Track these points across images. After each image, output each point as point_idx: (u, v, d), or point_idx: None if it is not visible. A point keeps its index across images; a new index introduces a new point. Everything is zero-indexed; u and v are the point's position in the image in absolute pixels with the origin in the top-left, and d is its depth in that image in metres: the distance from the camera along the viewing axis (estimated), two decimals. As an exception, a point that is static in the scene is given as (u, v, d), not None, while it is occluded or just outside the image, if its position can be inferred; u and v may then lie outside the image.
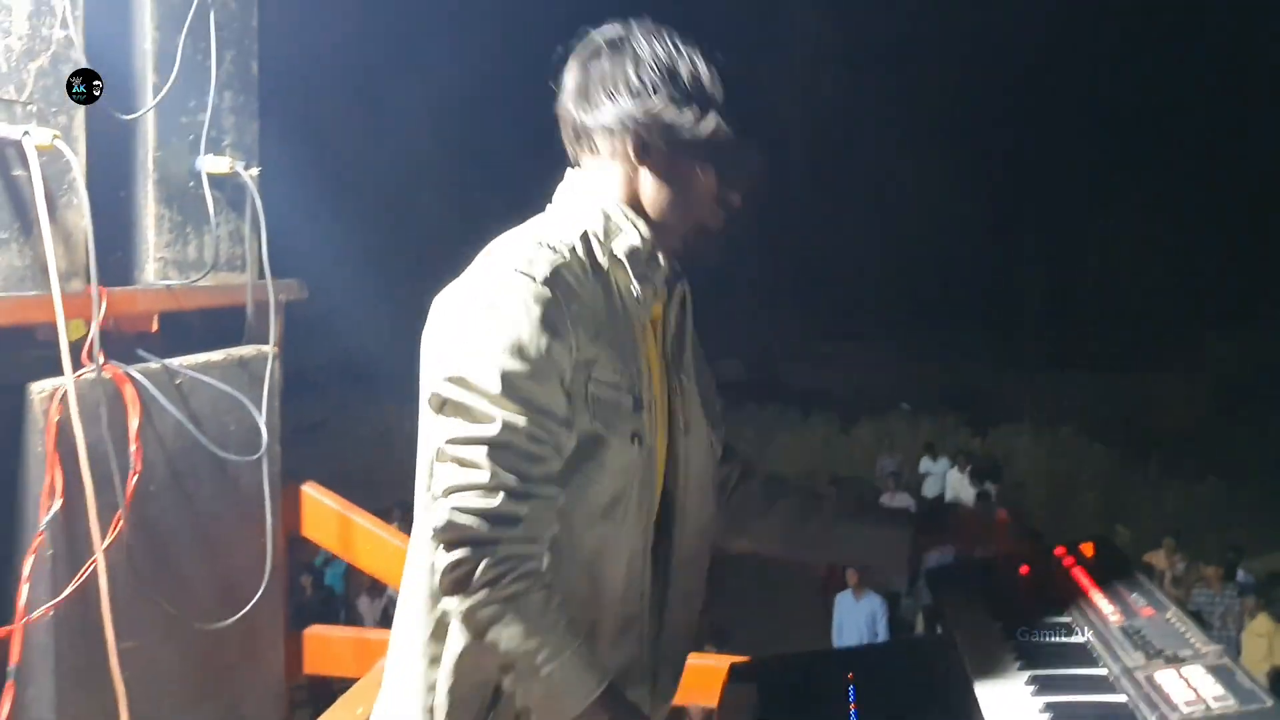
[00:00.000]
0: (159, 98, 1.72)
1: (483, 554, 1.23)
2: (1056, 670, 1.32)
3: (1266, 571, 10.70)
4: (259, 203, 1.95)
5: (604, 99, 1.37)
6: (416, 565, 1.40)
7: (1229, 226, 25.20)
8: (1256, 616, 8.86)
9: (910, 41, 29.10)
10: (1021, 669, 1.34)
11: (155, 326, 1.86)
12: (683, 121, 1.34)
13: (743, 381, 22.62)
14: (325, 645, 2.42)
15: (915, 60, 29.04)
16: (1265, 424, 18.12)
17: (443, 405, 1.30)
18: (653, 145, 1.36)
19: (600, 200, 1.39)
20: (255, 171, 1.96)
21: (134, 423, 1.69)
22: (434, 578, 1.28)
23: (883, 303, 25.79)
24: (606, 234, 1.38)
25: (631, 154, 1.37)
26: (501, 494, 1.24)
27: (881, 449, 16.30)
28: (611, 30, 1.40)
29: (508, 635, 1.24)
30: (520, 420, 1.26)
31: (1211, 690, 1.17)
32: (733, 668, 1.68)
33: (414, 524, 1.43)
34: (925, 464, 13.87)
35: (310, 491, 2.30)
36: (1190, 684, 1.19)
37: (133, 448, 1.69)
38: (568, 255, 1.33)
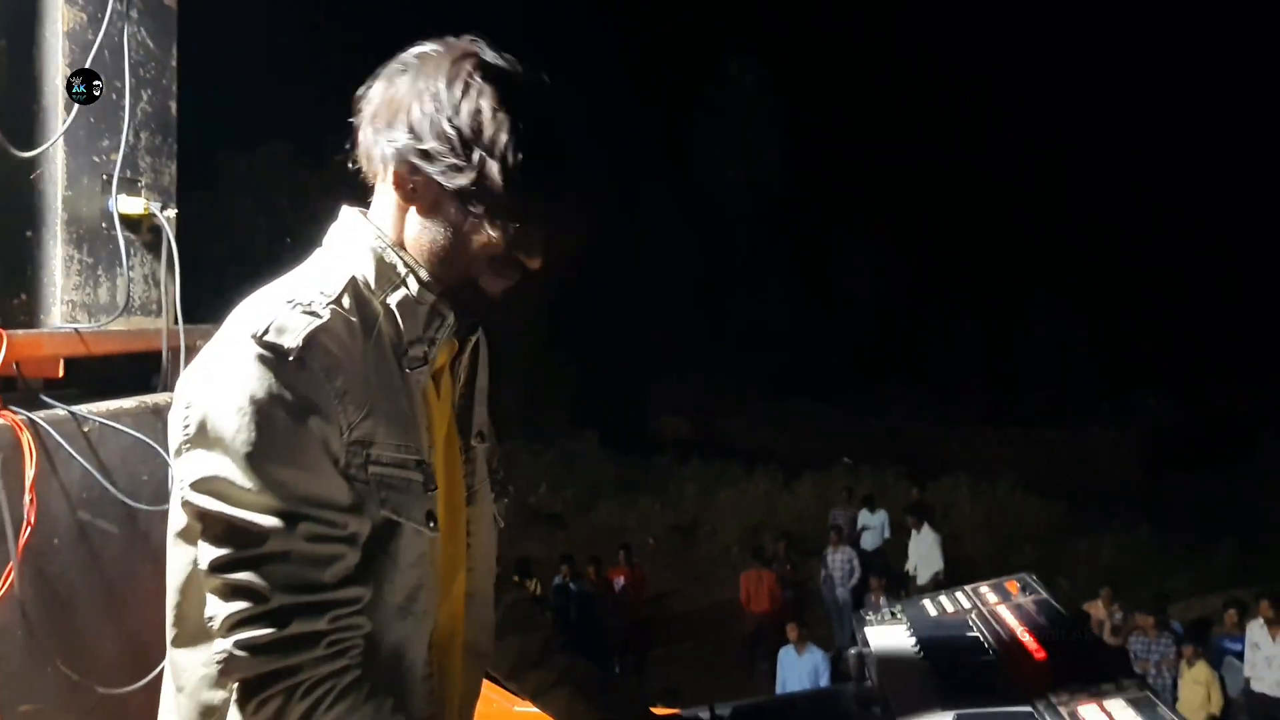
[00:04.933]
0: (57, 135, 1.68)
1: (285, 686, 1.06)
2: (982, 709, 1.31)
3: (1196, 617, 10.87)
4: (174, 245, 1.91)
5: (385, 124, 1.18)
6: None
7: (1155, 283, 26.06)
8: (1195, 664, 8.96)
9: (849, 106, 29.89)
10: (948, 708, 1.32)
11: (61, 372, 1.79)
12: (446, 168, 1.14)
13: (686, 439, 22.68)
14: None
15: (854, 125, 29.79)
16: (1191, 473, 18.57)
17: (199, 517, 1.11)
18: (418, 187, 1.18)
19: (372, 241, 1.21)
20: (172, 213, 1.91)
21: (29, 473, 1.62)
22: None
23: (823, 360, 26.10)
24: (378, 281, 1.19)
25: (396, 189, 1.19)
26: (292, 617, 1.06)
27: (823, 503, 16.36)
28: (421, 48, 1.21)
29: None
30: (295, 523, 1.07)
31: (1133, 723, 1.16)
32: None
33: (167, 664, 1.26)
34: (864, 517, 13.94)
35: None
36: (1112, 717, 1.19)
37: (27, 499, 1.61)
38: (326, 314, 1.12)
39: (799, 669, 9.51)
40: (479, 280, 1.21)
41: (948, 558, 12.38)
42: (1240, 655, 9.19)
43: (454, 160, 1.13)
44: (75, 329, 1.78)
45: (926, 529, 12.40)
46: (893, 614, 1.62)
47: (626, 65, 29.23)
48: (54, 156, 1.73)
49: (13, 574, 1.58)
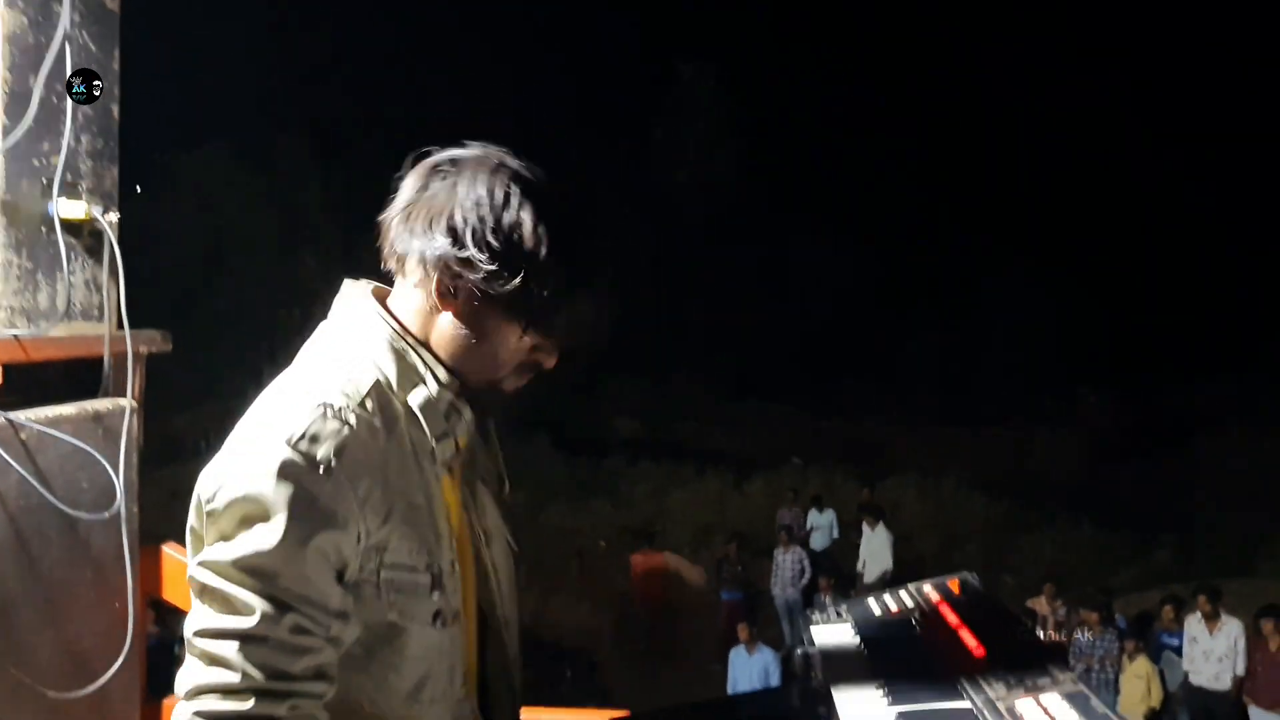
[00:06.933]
0: (8, 140, 1.65)
1: None
2: (923, 705, 1.34)
3: (1137, 612, 11.11)
4: (117, 250, 1.88)
5: (423, 228, 1.23)
6: None
7: (1097, 285, 26.63)
8: (1136, 659, 9.13)
9: (804, 114, 30.17)
10: (890, 705, 1.35)
11: (0, 378, 1.76)
12: (488, 276, 1.20)
13: (640, 440, 22.69)
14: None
15: (809, 126, 30.07)
16: (1132, 471, 19.00)
17: (200, 591, 1.14)
18: (457, 291, 1.23)
19: (392, 339, 1.25)
20: (114, 218, 1.88)
21: (-32, 479, 1.59)
22: None
23: (774, 361, 26.29)
24: (399, 380, 1.24)
25: (434, 293, 1.24)
26: (254, 698, 1.10)
27: (774, 504, 16.47)
28: (455, 154, 1.27)
29: None
30: (283, 613, 1.11)
31: (1067, 716, 1.20)
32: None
33: None
34: (813, 517, 14.05)
35: (171, 552, 2.20)
36: (1048, 711, 1.22)
37: (-34, 506, 1.59)
38: (355, 422, 1.17)
39: (749, 669, 9.57)
40: (499, 381, 1.28)
41: (895, 556, 12.52)
42: (1179, 650, 9.38)
43: (496, 268, 1.20)
44: (14, 335, 1.75)
45: (881, 528, 12.52)
46: (838, 613, 1.64)
47: (581, 65, 29.21)
48: (-8, 159, 1.70)
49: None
